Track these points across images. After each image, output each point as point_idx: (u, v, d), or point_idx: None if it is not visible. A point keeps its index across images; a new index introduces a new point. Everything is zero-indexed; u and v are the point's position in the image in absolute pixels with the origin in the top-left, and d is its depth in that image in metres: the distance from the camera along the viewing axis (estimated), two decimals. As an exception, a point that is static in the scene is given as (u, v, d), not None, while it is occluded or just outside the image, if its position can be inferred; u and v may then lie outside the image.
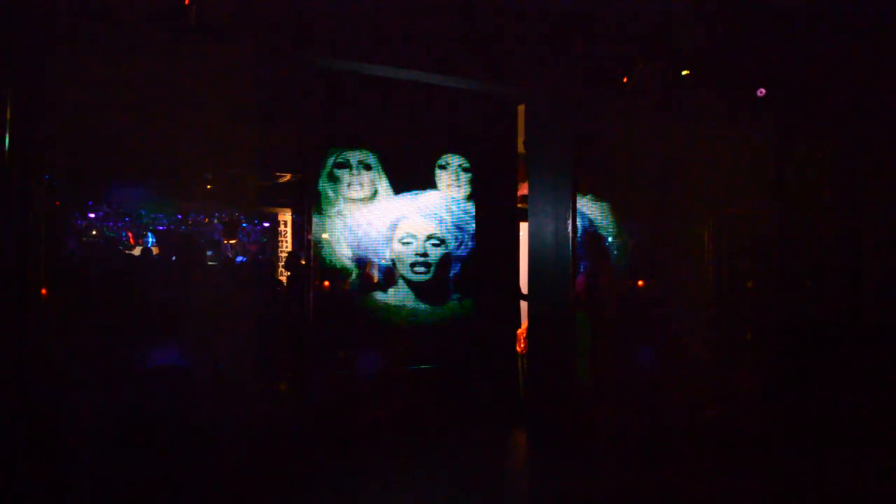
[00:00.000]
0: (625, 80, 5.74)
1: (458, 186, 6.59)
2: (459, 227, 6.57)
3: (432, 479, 4.74)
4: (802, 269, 6.43)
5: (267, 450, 4.69)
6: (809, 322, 6.24)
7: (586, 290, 6.24)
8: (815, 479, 4.72)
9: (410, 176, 6.39)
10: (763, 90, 6.00)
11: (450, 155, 6.58)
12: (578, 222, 5.90)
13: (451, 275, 6.49)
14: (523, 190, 6.53)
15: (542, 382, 5.88)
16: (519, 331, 6.77)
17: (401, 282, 6.43)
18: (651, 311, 6.58)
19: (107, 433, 4.35)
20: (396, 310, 6.36)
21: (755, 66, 6.01)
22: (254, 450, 4.61)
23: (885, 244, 6.14)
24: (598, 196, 6.69)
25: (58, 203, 4.91)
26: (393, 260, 6.45)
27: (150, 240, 6.30)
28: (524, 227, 6.38)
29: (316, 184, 6.17)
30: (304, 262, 5.55)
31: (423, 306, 6.39)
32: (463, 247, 6.56)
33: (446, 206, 6.52)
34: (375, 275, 6.44)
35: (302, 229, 5.65)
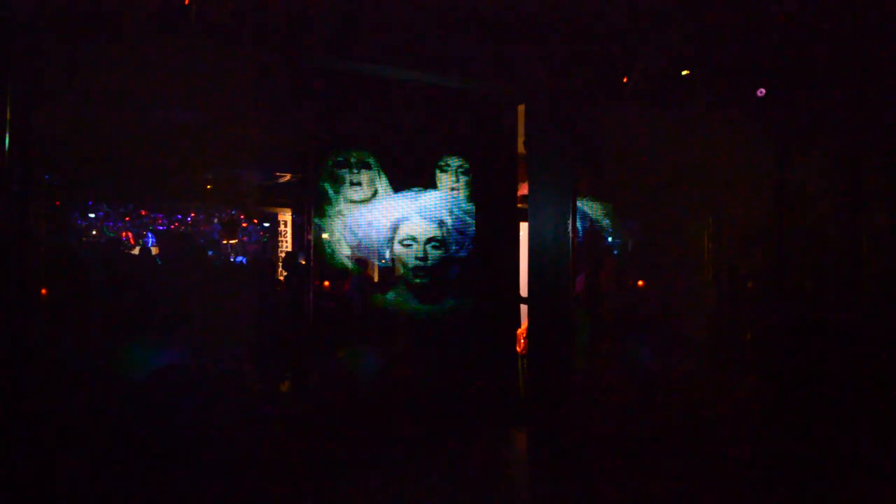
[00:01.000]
0: (625, 80, 5.73)
1: (458, 187, 6.59)
2: (459, 228, 6.57)
3: (432, 479, 4.74)
4: (802, 269, 6.42)
5: (267, 449, 4.69)
6: (809, 322, 6.24)
7: (586, 290, 6.24)
8: (815, 479, 4.72)
9: (410, 176, 6.39)
10: (763, 90, 6.00)
11: (449, 155, 6.58)
12: (578, 222, 5.90)
13: (451, 275, 6.49)
14: (523, 190, 6.53)
15: (542, 382, 5.88)
16: (519, 331, 6.77)
17: (400, 282, 6.44)
18: (651, 311, 6.57)
19: (107, 433, 4.35)
20: (396, 310, 6.37)
21: (755, 66, 6.01)
22: (254, 449, 4.61)
23: (885, 244, 6.14)
24: (598, 196, 6.69)
25: (58, 203, 4.91)
26: (393, 261, 6.45)
27: (151, 240, 6.29)
28: (524, 227, 6.38)
29: (316, 184, 6.18)
30: (304, 262, 5.55)
31: (423, 306, 6.39)
32: (463, 247, 6.56)
33: (446, 206, 6.52)
34: (375, 275, 6.45)
35: (302, 229, 5.65)
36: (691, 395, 6.11)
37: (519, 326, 6.81)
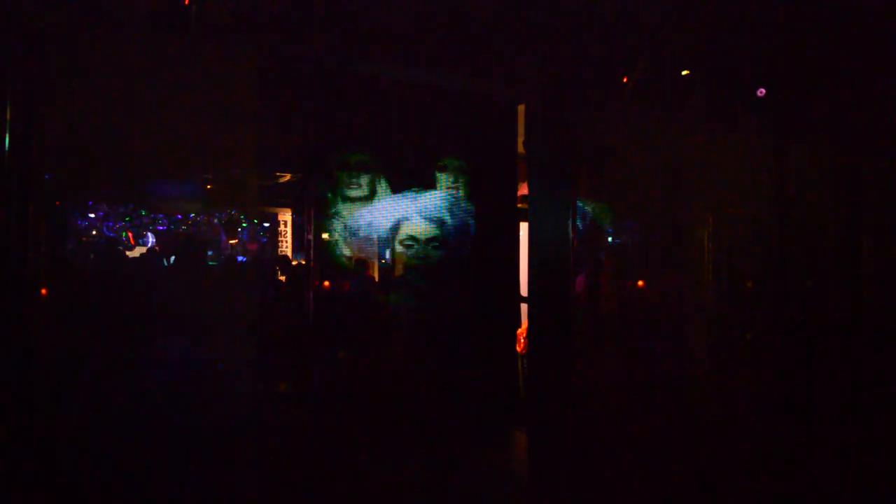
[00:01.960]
0: (625, 80, 5.73)
1: (458, 187, 6.59)
2: (459, 228, 6.57)
3: (432, 479, 4.74)
4: (802, 269, 6.42)
5: (266, 449, 4.69)
6: (809, 322, 6.24)
7: (586, 290, 6.24)
8: (816, 480, 4.72)
9: (409, 177, 6.39)
10: (763, 90, 5.99)
11: (449, 155, 6.58)
12: (578, 222, 5.90)
13: (451, 275, 6.49)
14: (523, 190, 6.53)
15: (542, 382, 5.88)
16: (519, 331, 6.77)
17: (400, 282, 6.44)
18: (650, 311, 6.57)
19: (107, 432, 4.35)
20: (396, 310, 6.37)
21: (755, 66, 6.01)
22: (253, 449, 4.61)
23: (885, 244, 6.14)
24: (598, 196, 6.69)
25: (58, 203, 4.91)
26: (393, 261, 6.45)
27: (151, 240, 6.30)
28: (524, 227, 6.37)
29: (316, 184, 6.18)
30: (304, 262, 5.55)
31: (423, 306, 6.40)
32: (462, 247, 6.56)
33: (446, 206, 6.52)
34: (375, 275, 6.45)
35: (302, 229, 5.65)
36: (691, 395, 6.11)
37: (519, 326, 6.81)
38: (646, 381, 6.17)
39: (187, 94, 4.84)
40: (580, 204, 6.15)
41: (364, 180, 6.26)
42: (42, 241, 4.23)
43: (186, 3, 4.18)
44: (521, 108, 6.57)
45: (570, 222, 5.72)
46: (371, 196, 6.29)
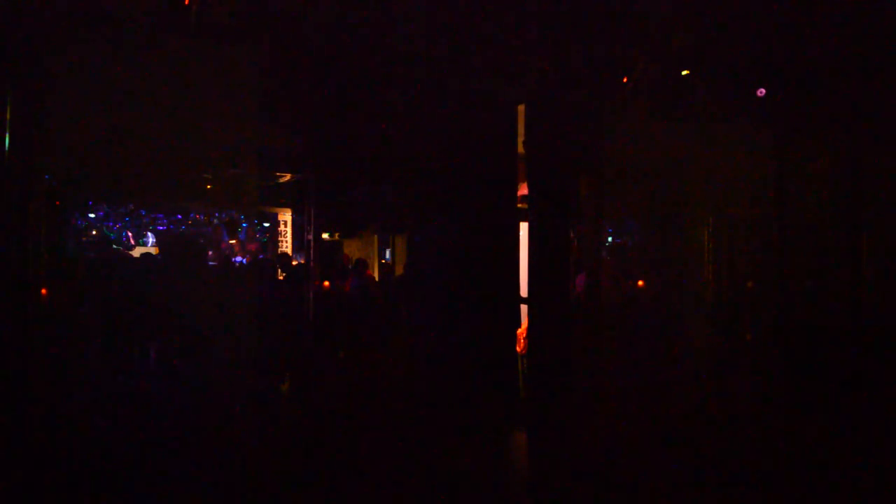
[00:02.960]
0: (625, 80, 5.73)
1: (458, 187, 6.58)
2: (459, 228, 6.56)
3: (432, 479, 4.74)
4: (802, 269, 6.42)
5: (266, 448, 4.69)
6: (809, 322, 6.24)
7: (586, 290, 6.24)
8: (816, 480, 4.72)
9: (410, 176, 6.38)
10: (763, 90, 5.99)
11: (449, 155, 6.57)
12: (578, 222, 5.90)
13: (451, 275, 6.49)
14: (523, 190, 6.53)
15: (542, 382, 5.88)
16: (519, 331, 6.77)
17: (400, 282, 6.44)
18: (651, 311, 6.57)
19: (107, 432, 4.35)
20: (395, 310, 6.37)
21: (755, 66, 6.01)
22: (253, 449, 4.61)
23: (885, 244, 6.14)
24: (598, 196, 6.68)
25: (58, 203, 4.91)
26: (393, 261, 6.45)
27: (151, 239, 6.31)
28: (524, 227, 6.37)
29: (316, 184, 6.18)
30: (303, 262, 5.56)
31: (423, 306, 6.39)
32: (462, 247, 6.55)
33: (446, 206, 6.52)
34: (376, 275, 6.46)
35: (302, 229, 5.66)
36: (691, 394, 6.11)
37: (519, 326, 6.80)
38: (646, 380, 6.17)
39: (187, 94, 4.84)
40: (580, 204, 6.16)
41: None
42: (42, 241, 4.23)
43: (186, 3, 4.18)
44: (521, 108, 6.57)
45: (569, 222, 5.72)
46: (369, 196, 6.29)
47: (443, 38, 5.16)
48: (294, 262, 8.11)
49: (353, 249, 10.75)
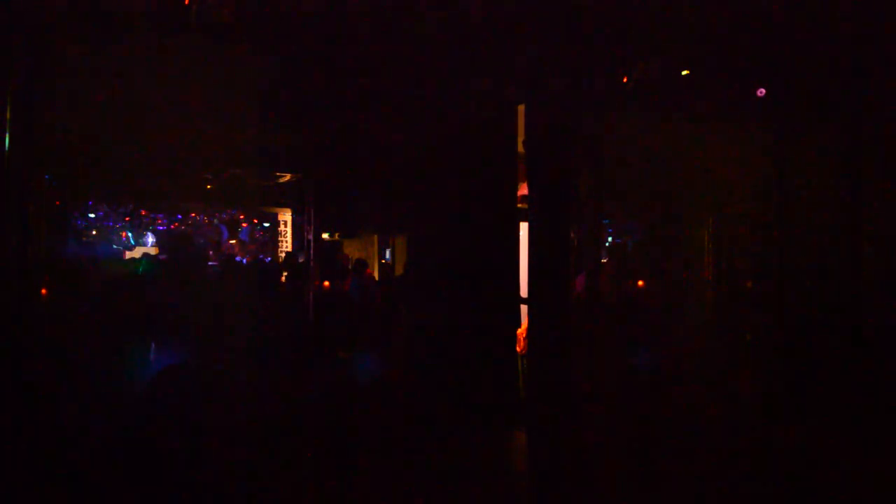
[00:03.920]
0: (625, 79, 5.73)
1: (458, 186, 6.58)
2: (459, 228, 6.56)
3: (432, 479, 4.74)
4: (802, 269, 6.42)
5: (266, 449, 4.69)
6: (809, 322, 6.24)
7: (586, 290, 6.23)
8: (816, 480, 4.72)
9: (410, 176, 6.38)
10: (763, 90, 5.99)
11: (449, 155, 6.57)
12: (578, 222, 5.90)
13: (451, 275, 6.49)
14: (523, 190, 6.53)
15: (542, 382, 5.88)
16: (519, 331, 6.77)
17: (400, 282, 6.44)
18: (651, 311, 6.57)
19: (107, 432, 4.35)
20: (395, 310, 6.37)
21: (755, 66, 6.01)
22: (253, 449, 4.61)
23: (885, 244, 6.14)
24: (598, 196, 6.69)
25: (58, 203, 4.91)
26: (391, 260, 6.45)
27: (150, 239, 6.31)
28: (524, 227, 6.37)
29: (316, 184, 6.18)
30: (303, 262, 5.56)
31: (423, 306, 6.39)
32: (462, 247, 6.55)
33: (446, 206, 6.52)
34: (375, 275, 6.47)
35: (302, 229, 5.66)
36: (691, 395, 6.11)
37: (519, 326, 6.81)
38: (645, 380, 6.17)
39: (187, 94, 4.84)
40: (580, 204, 6.15)
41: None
42: (42, 241, 4.23)
43: (186, 2, 4.18)
44: (521, 108, 6.57)
45: (569, 222, 5.72)
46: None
47: (443, 38, 5.16)
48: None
49: (353, 249, 10.75)
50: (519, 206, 6.82)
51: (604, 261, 7.11)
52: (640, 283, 7.07)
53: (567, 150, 5.77)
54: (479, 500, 4.43)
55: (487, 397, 6.41)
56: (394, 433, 5.73)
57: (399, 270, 9.48)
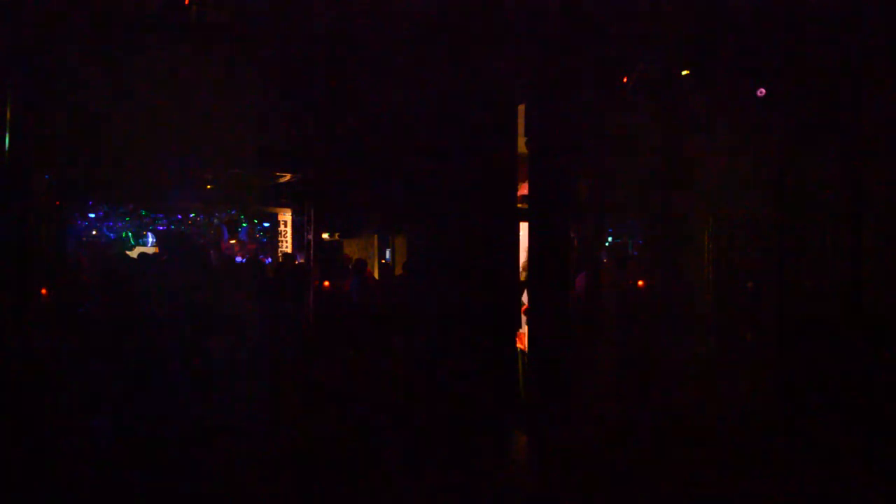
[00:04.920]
0: (625, 79, 5.73)
1: (458, 187, 6.58)
2: (458, 228, 6.56)
3: (431, 479, 4.74)
4: (802, 268, 6.42)
5: (266, 448, 4.69)
6: (809, 322, 6.24)
7: (586, 290, 6.24)
8: (816, 480, 4.72)
9: (410, 176, 6.38)
10: (763, 90, 5.99)
11: (449, 154, 6.57)
12: (578, 222, 5.90)
13: (451, 275, 6.48)
14: (523, 190, 6.53)
15: (542, 382, 5.88)
16: (519, 331, 6.77)
17: (400, 282, 6.44)
18: (650, 311, 6.57)
19: (107, 431, 4.35)
20: (395, 310, 6.36)
21: (755, 66, 6.01)
22: (253, 448, 4.61)
23: (885, 244, 6.14)
24: (598, 196, 6.69)
25: (58, 203, 4.92)
26: (391, 260, 6.45)
27: (150, 239, 6.31)
28: (524, 227, 6.37)
29: (316, 184, 6.18)
30: (303, 262, 5.56)
31: (422, 306, 6.39)
32: (462, 247, 6.55)
33: (446, 206, 6.51)
34: (375, 275, 6.46)
35: (302, 229, 5.66)
36: (692, 394, 6.11)
37: (519, 327, 6.81)
38: (645, 380, 6.17)
39: (188, 94, 4.85)
40: (580, 204, 6.16)
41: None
42: (42, 241, 4.23)
43: (186, 2, 4.19)
44: (521, 108, 6.57)
45: (570, 222, 5.72)
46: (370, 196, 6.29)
47: (443, 38, 5.16)
48: (295, 262, 8.12)
49: (353, 249, 10.75)
50: (519, 206, 6.82)
51: (604, 261, 7.11)
52: (641, 283, 7.07)
53: (567, 150, 5.78)
54: (480, 500, 4.43)
55: (487, 397, 6.41)
56: (394, 433, 5.73)
57: (399, 270, 9.48)
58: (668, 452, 5.23)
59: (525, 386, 6.49)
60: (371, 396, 6.00)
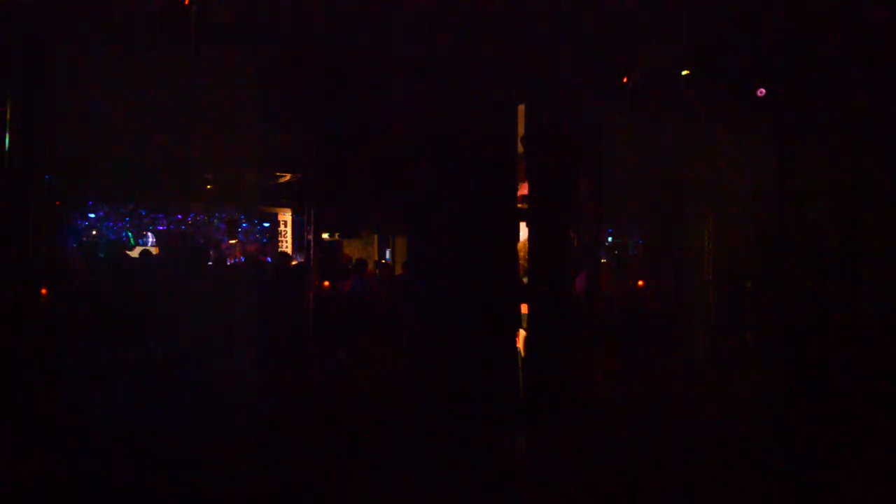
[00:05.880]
0: (625, 80, 5.73)
1: (458, 187, 6.58)
2: (459, 228, 6.55)
3: (431, 479, 4.74)
4: (802, 269, 6.42)
5: (266, 448, 4.69)
6: (809, 322, 6.24)
7: (586, 290, 6.24)
8: (815, 480, 4.72)
9: (410, 176, 6.38)
10: (763, 90, 5.99)
11: (449, 155, 6.57)
12: (578, 222, 5.90)
13: (451, 275, 6.48)
14: (523, 190, 6.53)
15: (542, 382, 5.88)
16: (519, 331, 6.77)
17: (401, 282, 6.43)
18: (650, 311, 6.57)
19: (106, 430, 4.35)
20: (396, 310, 6.36)
21: (755, 66, 6.01)
22: (253, 448, 4.62)
23: (885, 244, 6.14)
24: (598, 196, 6.69)
25: (58, 203, 4.92)
26: (391, 260, 6.45)
27: (150, 239, 6.31)
28: (524, 227, 6.37)
29: (316, 184, 6.18)
30: (303, 262, 5.56)
31: (423, 306, 6.39)
32: (462, 247, 6.54)
33: (446, 206, 6.51)
34: (375, 275, 6.46)
35: (302, 229, 5.65)
36: (692, 394, 6.11)
37: (519, 327, 6.80)
38: (645, 380, 6.17)
39: (188, 94, 4.84)
40: (580, 204, 6.16)
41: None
42: (42, 241, 4.23)
43: (186, 3, 4.19)
44: (521, 108, 6.56)
45: (569, 222, 5.72)
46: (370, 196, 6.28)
47: (443, 38, 5.16)
48: (294, 262, 8.12)
49: (353, 249, 10.74)
50: (519, 206, 6.82)
51: (603, 261, 7.11)
52: (641, 283, 7.08)
53: (567, 150, 5.78)
54: (479, 500, 4.42)
55: (487, 397, 6.40)
56: (394, 433, 5.73)
57: (399, 270, 9.48)
58: (669, 453, 5.23)
59: (525, 386, 6.48)
60: (371, 396, 6.00)
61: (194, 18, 4.25)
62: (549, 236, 5.93)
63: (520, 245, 6.37)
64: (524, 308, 6.46)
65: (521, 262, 6.48)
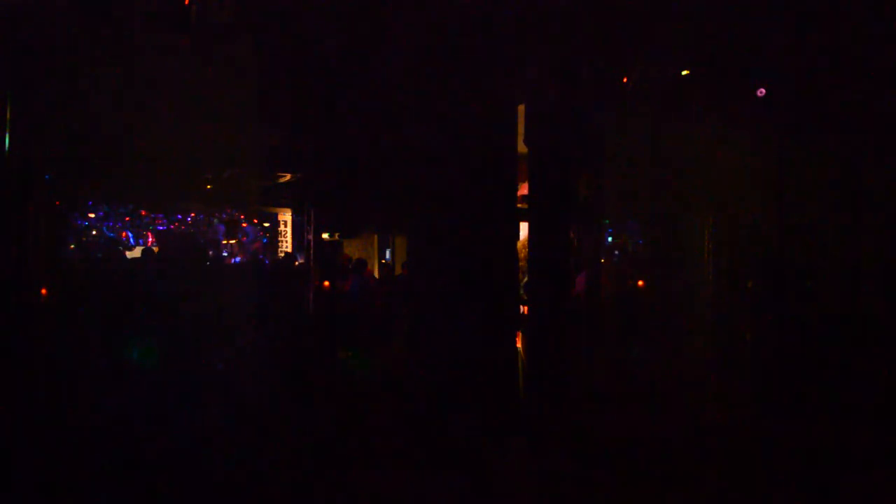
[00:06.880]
0: (625, 80, 5.73)
1: (458, 186, 6.58)
2: (458, 228, 6.55)
3: (431, 480, 4.75)
4: (802, 269, 6.42)
5: (266, 448, 4.69)
6: (809, 322, 6.24)
7: (586, 290, 6.23)
8: (815, 480, 4.72)
9: (410, 176, 6.38)
10: (763, 90, 5.99)
11: (449, 155, 6.57)
12: (578, 222, 5.90)
13: (451, 275, 6.48)
14: (523, 190, 6.53)
15: (542, 383, 5.88)
16: (519, 331, 6.76)
17: (400, 282, 6.43)
18: (650, 311, 6.57)
19: (107, 431, 4.35)
20: (395, 310, 6.36)
21: (755, 66, 6.01)
22: (253, 448, 4.62)
23: (885, 244, 6.14)
24: (598, 196, 6.69)
25: (58, 203, 4.91)
26: (391, 260, 6.45)
27: (150, 239, 6.30)
28: (524, 227, 6.37)
29: (316, 184, 6.18)
30: (303, 262, 5.56)
31: (423, 306, 6.39)
32: (462, 247, 6.54)
33: (446, 206, 6.51)
34: (376, 275, 6.46)
35: (302, 229, 5.66)
36: (691, 394, 6.11)
37: (519, 326, 6.80)
38: (645, 380, 6.17)
39: (187, 93, 4.84)
40: (580, 204, 6.16)
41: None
42: (42, 242, 4.23)
43: (186, 3, 4.19)
44: (521, 109, 6.56)
45: (569, 222, 5.72)
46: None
47: (443, 38, 5.16)
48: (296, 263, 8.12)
49: (353, 249, 10.74)
50: (519, 206, 6.82)
51: (603, 261, 7.11)
52: (641, 283, 7.08)
53: (567, 150, 5.78)
54: (479, 500, 4.43)
55: (487, 397, 6.40)
56: (393, 433, 5.73)
57: (399, 270, 9.48)
58: (669, 453, 5.23)
59: (525, 386, 6.48)
60: (370, 396, 6.00)
61: (194, 18, 4.25)
62: (548, 236, 5.93)
63: (520, 245, 6.37)
64: (524, 308, 6.46)
65: (521, 262, 6.48)
